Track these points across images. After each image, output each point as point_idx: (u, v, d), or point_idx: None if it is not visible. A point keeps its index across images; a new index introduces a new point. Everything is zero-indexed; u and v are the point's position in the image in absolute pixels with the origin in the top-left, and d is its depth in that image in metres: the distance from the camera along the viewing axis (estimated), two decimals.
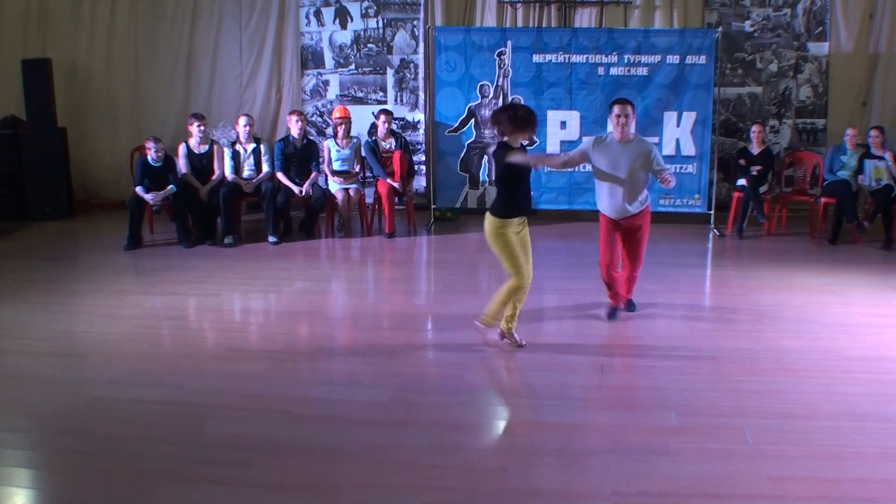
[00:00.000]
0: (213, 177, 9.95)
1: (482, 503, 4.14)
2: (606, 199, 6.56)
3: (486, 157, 11.09)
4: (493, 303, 6.11)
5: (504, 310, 6.09)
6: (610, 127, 6.63)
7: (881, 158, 10.12)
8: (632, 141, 6.54)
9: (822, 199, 10.57)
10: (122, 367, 5.85)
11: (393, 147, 10.64)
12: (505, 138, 5.88)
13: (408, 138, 11.21)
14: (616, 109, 6.41)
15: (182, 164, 9.95)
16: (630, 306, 7.08)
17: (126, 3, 11.87)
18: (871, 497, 4.13)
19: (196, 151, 9.94)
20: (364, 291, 8.29)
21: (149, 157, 9.47)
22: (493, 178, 6.22)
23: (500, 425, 5.21)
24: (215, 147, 10.07)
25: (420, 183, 11.74)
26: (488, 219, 5.92)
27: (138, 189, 9.44)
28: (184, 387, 5.51)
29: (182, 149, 9.84)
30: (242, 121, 10.14)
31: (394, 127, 10.95)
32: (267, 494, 4.15)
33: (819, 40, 11.62)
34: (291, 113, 10.45)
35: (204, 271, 8.60)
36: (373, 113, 11.35)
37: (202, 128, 9.88)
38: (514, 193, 5.88)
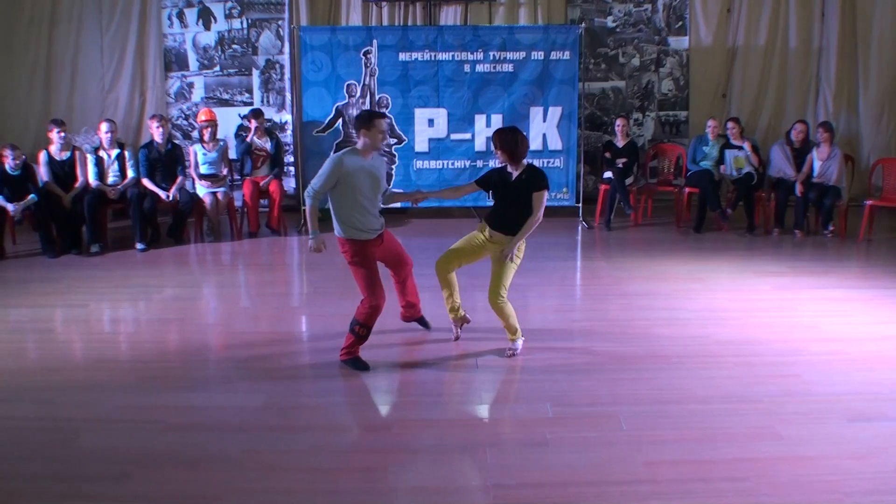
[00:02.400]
0: (77, 184, 10.11)
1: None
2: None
3: None
4: (508, 326, 6.26)
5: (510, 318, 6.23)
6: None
7: (741, 148, 11.02)
8: None
9: (686, 189, 11.42)
10: None
11: (269, 146, 11.08)
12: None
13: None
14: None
15: (43, 172, 10.05)
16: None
17: None
18: (743, 476, 4.40)
19: (57, 158, 9.95)
20: (236, 296, 8.43)
21: (6, 166, 9.54)
22: (527, 203, 6.14)
23: (378, 425, 5.31)
24: (77, 153, 10.15)
25: (289, 184, 12.17)
26: (523, 245, 6.19)
27: None
28: (53, 401, 5.50)
29: (43, 156, 9.90)
30: (104, 126, 10.24)
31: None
32: None
33: (679, 35, 12.61)
34: (152, 118, 10.71)
35: (70, 281, 8.63)
36: (240, 115, 11.88)
37: (62, 134, 9.92)
38: None
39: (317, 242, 6.15)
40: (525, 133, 10.99)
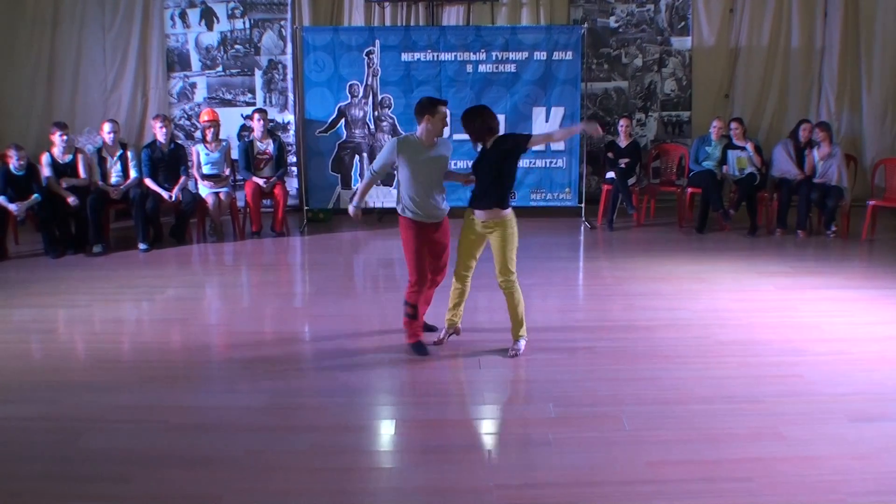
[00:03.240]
0: (79, 179, 10.13)
1: None
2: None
3: (357, 157, 11.61)
4: (514, 316, 6.29)
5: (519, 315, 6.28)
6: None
7: (743, 149, 11.01)
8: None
9: (689, 190, 11.43)
10: None
11: (271, 149, 11.07)
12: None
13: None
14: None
15: (47, 173, 10.05)
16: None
17: None
18: (745, 476, 4.42)
19: (60, 161, 9.95)
20: (238, 296, 8.44)
21: (10, 166, 9.56)
22: (500, 172, 6.09)
23: (381, 425, 5.29)
24: (80, 156, 10.23)
25: (292, 185, 12.19)
26: (508, 215, 6.10)
27: (0, 199, 9.50)
28: (56, 401, 5.50)
29: (45, 158, 9.86)
30: (107, 127, 10.22)
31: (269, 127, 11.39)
32: None
33: (682, 35, 12.62)
34: (155, 118, 10.73)
35: (73, 282, 8.64)
36: (242, 115, 11.91)
37: (65, 137, 9.90)
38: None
39: (356, 211, 6.36)
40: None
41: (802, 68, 12.57)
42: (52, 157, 10.03)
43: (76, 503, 4.28)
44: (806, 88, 12.64)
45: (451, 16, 12.34)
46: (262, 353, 6.52)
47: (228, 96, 12.38)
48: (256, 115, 11.08)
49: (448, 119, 6.22)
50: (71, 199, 9.84)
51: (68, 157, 10.10)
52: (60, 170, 10.05)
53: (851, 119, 12.64)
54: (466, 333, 6.68)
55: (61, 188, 9.93)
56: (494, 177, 6.02)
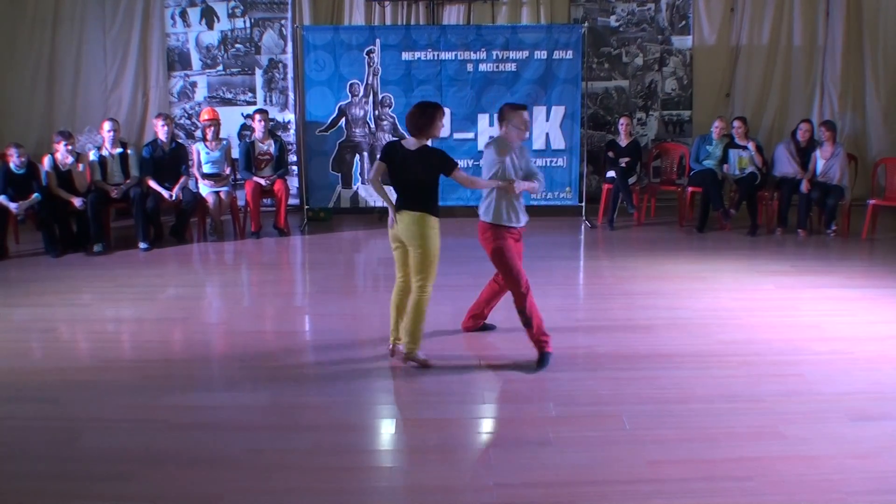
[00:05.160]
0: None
1: (370, 503, 4.31)
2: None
3: (357, 156, 11.62)
4: (415, 320, 6.03)
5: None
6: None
7: (745, 148, 11.02)
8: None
9: (689, 189, 11.45)
10: None
11: (272, 149, 11.08)
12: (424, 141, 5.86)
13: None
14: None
15: (47, 169, 10.01)
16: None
17: None
18: (745, 475, 4.42)
19: (62, 167, 9.93)
20: (239, 295, 8.46)
21: (11, 165, 9.57)
22: (421, 183, 5.82)
23: (381, 424, 5.31)
24: (79, 164, 10.16)
25: (293, 183, 12.19)
26: (429, 218, 5.80)
27: (1, 198, 9.51)
28: (56, 401, 5.51)
29: (47, 161, 9.87)
30: (107, 126, 10.23)
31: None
32: None
33: (682, 34, 12.63)
34: (157, 117, 10.79)
35: (73, 281, 8.66)
36: (243, 114, 11.93)
37: (69, 147, 9.90)
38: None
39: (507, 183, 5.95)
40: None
41: (804, 67, 12.56)
42: (53, 160, 10.01)
43: (76, 502, 4.27)
44: (808, 88, 12.63)
45: (452, 15, 12.35)
46: (262, 352, 6.52)
47: (229, 95, 12.40)
48: (257, 116, 11.09)
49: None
50: (77, 202, 9.85)
51: (70, 160, 10.05)
52: (62, 175, 10.03)
53: (854, 118, 12.63)
54: (467, 333, 6.74)
55: (62, 192, 9.93)
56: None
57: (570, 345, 6.56)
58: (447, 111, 11.08)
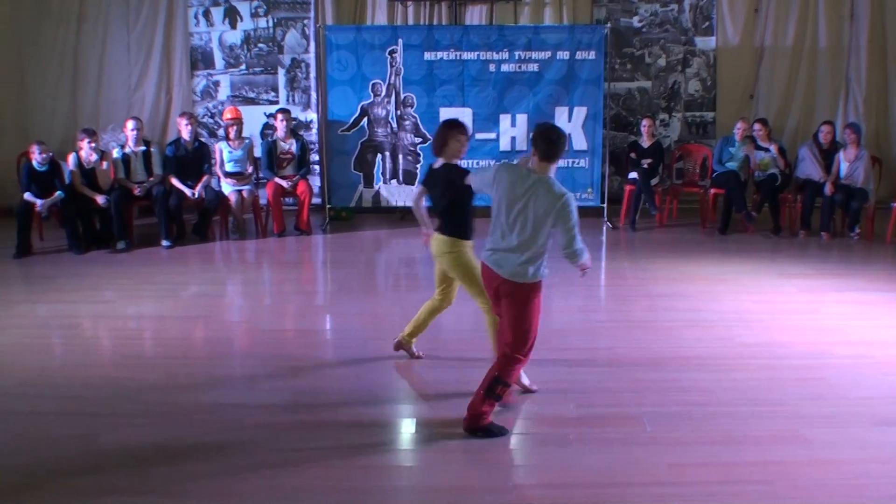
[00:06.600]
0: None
1: (387, 502, 4.33)
2: None
3: (379, 156, 11.64)
4: (423, 319, 6.09)
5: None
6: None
7: (767, 150, 10.98)
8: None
9: (712, 190, 11.39)
10: (11, 379, 5.86)
11: (294, 148, 11.11)
12: (449, 161, 5.68)
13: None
14: None
15: (71, 167, 10.09)
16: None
17: (7, 4, 11.88)
18: (767, 479, 4.39)
19: (86, 165, 10.01)
20: (260, 294, 8.52)
21: (34, 162, 9.63)
22: (446, 204, 5.64)
23: (400, 424, 5.32)
24: (104, 162, 10.11)
25: (315, 183, 12.21)
26: (455, 242, 5.59)
27: (26, 195, 9.58)
28: (77, 397, 5.53)
29: (72, 159, 9.95)
30: (130, 124, 10.34)
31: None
32: (167, 503, 4.24)
33: (706, 35, 12.55)
34: (181, 115, 10.87)
35: (96, 278, 8.69)
36: (265, 113, 11.97)
37: (93, 145, 9.96)
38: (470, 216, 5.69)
39: None
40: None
41: (829, 69, 12.44)
42: (78, 158, 10.07)
43: (96, 497, 4.28)
44: (833, 89, 12.50)
45: (474, 15, 12.35)
46: (283, 350, 6.54)
47: (251, 94, 12.45)
48: (280, 115, 11.13)
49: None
50: (100, 199, 9.91)
51: (94, 158, 10.11)
52: (86, 173, 10.10)
53: (878, 120, 12.51)
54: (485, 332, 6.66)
55: (86, 190, 10.00)
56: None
57: (591, 346, 6.58)
58: (469, 111, 11.22)
